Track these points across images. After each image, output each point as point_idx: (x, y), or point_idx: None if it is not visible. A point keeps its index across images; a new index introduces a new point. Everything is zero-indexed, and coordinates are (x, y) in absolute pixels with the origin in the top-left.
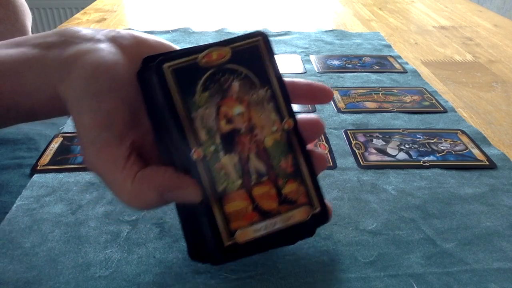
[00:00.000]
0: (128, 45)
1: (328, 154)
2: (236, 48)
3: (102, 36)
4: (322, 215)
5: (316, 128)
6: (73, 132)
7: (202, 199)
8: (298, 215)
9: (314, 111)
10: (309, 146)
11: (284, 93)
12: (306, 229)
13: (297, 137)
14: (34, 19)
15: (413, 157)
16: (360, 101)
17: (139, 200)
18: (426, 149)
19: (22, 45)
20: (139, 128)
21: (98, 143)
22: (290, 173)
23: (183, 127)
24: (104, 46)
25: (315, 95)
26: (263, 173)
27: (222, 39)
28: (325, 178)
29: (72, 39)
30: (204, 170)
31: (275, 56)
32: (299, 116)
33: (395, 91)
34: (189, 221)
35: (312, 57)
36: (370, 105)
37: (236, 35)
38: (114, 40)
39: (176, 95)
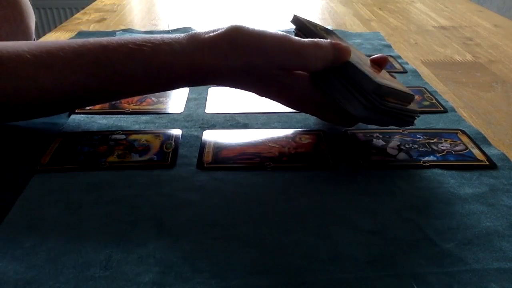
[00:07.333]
0: None
1: (328, 154)
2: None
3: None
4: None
5: (383, 59)
6: (73, 132)
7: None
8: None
9: None
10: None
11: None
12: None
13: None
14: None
15: (413, 157)
16: None
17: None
18: (426, 149)
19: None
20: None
21: None
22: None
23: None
24: None
25: (380, 61)
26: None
27: None
28: (325, 178)
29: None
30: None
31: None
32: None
33: None
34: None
35: None
36: None
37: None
38: None
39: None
